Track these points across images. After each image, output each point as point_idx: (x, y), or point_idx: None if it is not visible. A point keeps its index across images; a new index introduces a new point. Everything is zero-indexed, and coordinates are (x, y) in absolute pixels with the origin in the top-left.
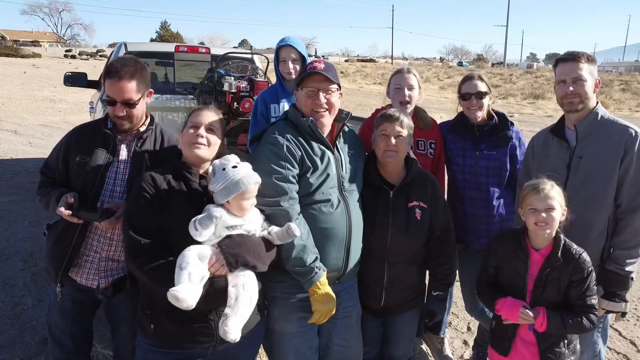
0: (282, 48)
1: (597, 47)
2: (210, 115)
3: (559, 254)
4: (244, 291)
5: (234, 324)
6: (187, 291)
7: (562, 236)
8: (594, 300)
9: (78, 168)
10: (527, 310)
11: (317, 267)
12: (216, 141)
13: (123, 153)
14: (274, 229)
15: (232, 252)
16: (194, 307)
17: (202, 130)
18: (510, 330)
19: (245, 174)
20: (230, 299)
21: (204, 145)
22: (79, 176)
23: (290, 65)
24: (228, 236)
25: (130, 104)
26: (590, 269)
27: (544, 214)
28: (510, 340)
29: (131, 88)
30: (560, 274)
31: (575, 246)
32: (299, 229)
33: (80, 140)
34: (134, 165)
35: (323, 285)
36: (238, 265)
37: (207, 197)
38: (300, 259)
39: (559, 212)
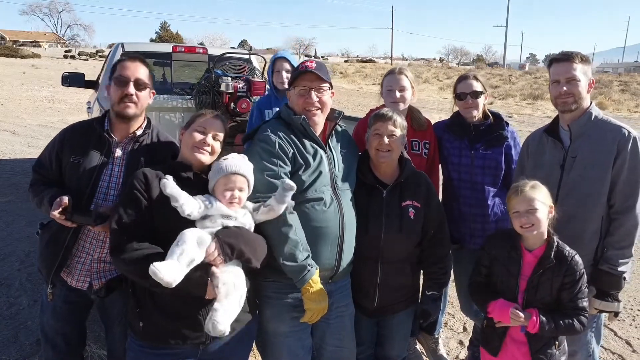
0: (277, 60)
1: (597, 48)
2: (220, 126)
3: (552, 255)
4: (235, 290)
5: (223, 316)
6: (167, 268)
7: (555, 237)
8: (585, 303)
9: (71, 169)
10: (518, 312)
11: (309, 264)
12: (219, 150)
13: (118, 155)
14: (270, 200)
15: (229, 242)
16: (173, 285)
17: (209, 139)
18: (500, 330)
19: (231, 162)
20: (220, 295)
21: (208, 152)
22: (72, 177)
23: (284, 75)
24: (225, 227)
25: (140, 85)
26: (582, 271)
27: (526, 217)
28: (501, 340)
29: (144, 71)
30: (552, 276)
31: (568, 248)
32: (293, 182)
33: (74, 140)
34: (129, 168)
35: (315, 283)
36: (233, 255)
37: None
38: (292, 254)
39: (543, 211)
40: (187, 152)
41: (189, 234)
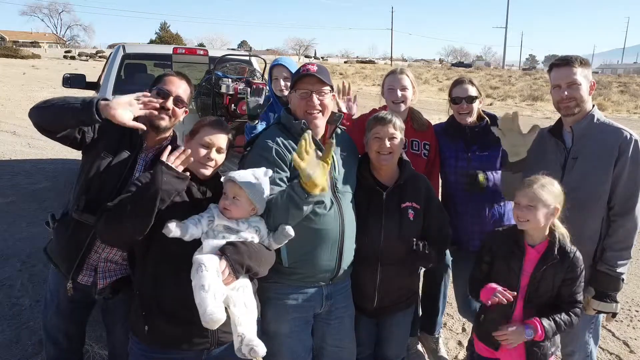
0: (275, 67)
1: (596, 49)
2: (225, 140)
3: (556, 251)
4: (247, 310)
5: (253, 337)
6: (221, 311)
7: (557, 233)
8: (581, 297)
9: (98, 163)
10: (504, 293)
11: (289, 191)
12: (222, 161)
13: (140, 162)
14: (271, 234)
15: (238, 260)
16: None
17: (213, 153)
18: (502, 325)
19: (230, 173)
20: (236, 320)
21: (212, 167)
22: (97, 173)
23: (282, 83)
24: (231, 243)
25: (178, 102)
26: (582, 267)
27: (523, 210)
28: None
29: (186, 89)
30: (555, 272)
31: (569, 244)
32: (293, 229)
33: (111, 133)
34: None
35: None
36: (243, 271)
37: (207, 203)
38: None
39: (543, 211)
40: (192, 165)
41: (207, 274)
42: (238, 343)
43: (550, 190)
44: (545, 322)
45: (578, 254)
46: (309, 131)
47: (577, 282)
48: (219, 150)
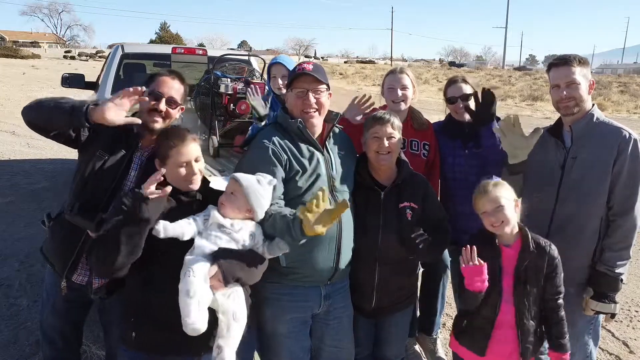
0: (273, 66)
1: (596, 49)
2: (196, 147)
3: (532, 246)
4: (235, 322)
5: (230, 355)
6: (202, 321)
7: (527, 228)
8: (563, 288)
9: (94, 163)
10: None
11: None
12: (203, 166)
13: (135, 162)
14: (266, 243)
15: (230, 270)
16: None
17: (195, 166)
18: (487, 330)
19: (236, 173)
20: (222, 329)
21: (198, 178)
22: (92, 174)
23: (280, 81)
24: (225, 250)
25: (172, 103)
26: (559, 258)
27: (495, 216)
28: (487, 339)
29: (179, 89)
30: (537, 267)
31: (542, 238)
32: (287, 245)
33: (107, 132)
34: (145, 174)
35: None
36: (232, 282)
37: (197, 206)
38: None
39: (510, 207)
40: (180, 184)
41: (194, 280)
42: (215, 353)
43: (503, 186)
44: (564, 341)
45: (553, 246)
46: (325, 188)
47: (558, 274)
48: (197, 160)
